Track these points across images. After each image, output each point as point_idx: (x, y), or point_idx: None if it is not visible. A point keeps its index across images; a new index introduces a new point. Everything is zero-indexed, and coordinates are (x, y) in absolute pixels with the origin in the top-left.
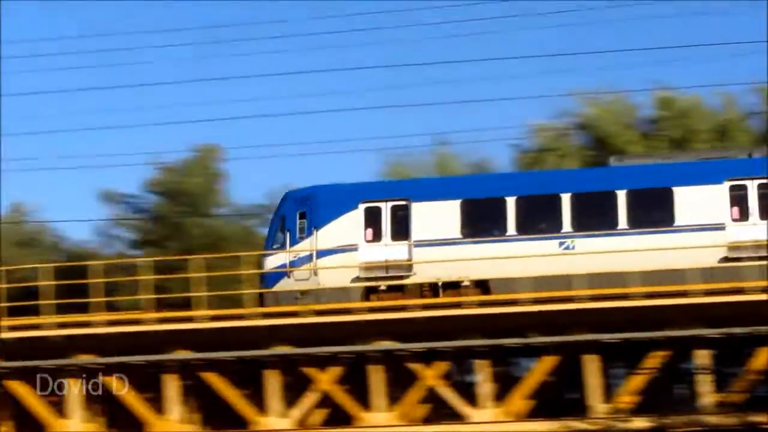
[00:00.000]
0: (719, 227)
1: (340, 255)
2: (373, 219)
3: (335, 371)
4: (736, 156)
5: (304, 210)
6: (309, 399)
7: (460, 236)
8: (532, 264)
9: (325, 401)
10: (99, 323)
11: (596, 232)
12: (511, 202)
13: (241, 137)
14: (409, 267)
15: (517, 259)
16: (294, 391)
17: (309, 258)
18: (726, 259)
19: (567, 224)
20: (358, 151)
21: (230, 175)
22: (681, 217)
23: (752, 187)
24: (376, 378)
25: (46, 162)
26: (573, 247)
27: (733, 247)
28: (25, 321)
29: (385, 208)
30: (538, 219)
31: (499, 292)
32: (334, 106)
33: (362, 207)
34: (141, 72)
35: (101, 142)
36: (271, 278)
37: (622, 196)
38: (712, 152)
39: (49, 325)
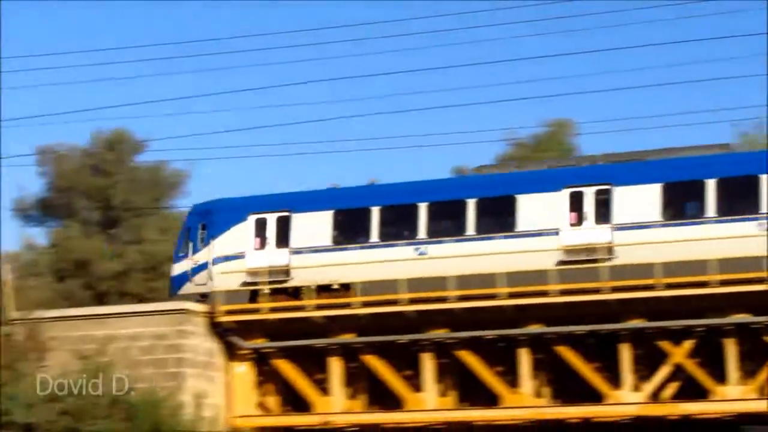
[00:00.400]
0: (555, 232)
1: (231, 262)
2: (260, 229)
3: (689, 344)
4: (579, 164)
5: (205, 222)
6: (662, 372)
7: (331, 244)
8: (390, 268)
9: (678, 374)
10: (452, 299)
11: (447, 239)
12: (375, 212)
13: (591, 111)
14: (287, 272)
15: (377, 264)
16: (647, 364)
17: (206, 265)
18: (562, 263)
19: (422, 231)
20: (707, 123)
21: (583, 149)
22: (522, 223)
23: (589, 193)
24: (731, 351)
25: (404, 141)
26: (426, 253)
27: (568, 251)
28: (380, 297)
29: (271, 219)
30: (398, 227)
31: (363, 295)
32: (678, 78)
33: (252, 218)
34: (489, 49)
35: (455, 118)
36: (176, 283)
37: (471, 204)
38: (558, 161)
39: (402, 302)
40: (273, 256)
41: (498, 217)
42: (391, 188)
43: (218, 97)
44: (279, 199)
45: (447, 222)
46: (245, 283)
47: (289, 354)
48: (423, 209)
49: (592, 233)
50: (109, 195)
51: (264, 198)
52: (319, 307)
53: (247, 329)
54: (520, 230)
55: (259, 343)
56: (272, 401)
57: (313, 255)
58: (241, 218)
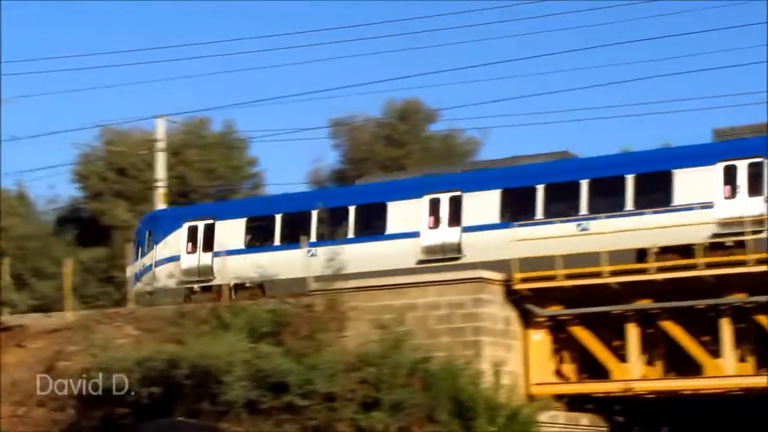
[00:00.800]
0: (417, 234)
1: (169, 264)
2: (192, 235)
3: None
4: (439, 174)
5: (150, 229)
6: None
7: (244, 247)
8: (289, 268)
9: None
10: (751, 263)
11: (332, 241)
12: (278, 219)
13: None
14: (211, 272)
15: (278, 264)
16: None
17: (151, 267)
18: (421, 261)
19: (313, 235)
20: None
21: None
22: (391, 226)
23: (444, 199)
24: None
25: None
26: (316, 254)
27: (426, 251)
28: (677, 262)
29: (200, 227)
30: (295, 231)
31: (270, 293)
32: None
33: (186, 226)
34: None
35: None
36: (130, 283)
37: (352, 210)
38: (420, 170)
39: (699, 266)
40: (201, 259)
41: (372, 222)
42: (292, 197)
43: (509, 64)
44: (208, 208)
45: (333, 226)
46: (180, 282)
47: (584, 321)
48: (314, 215)
49: (445, 235)
50: (402, 165)
51: (197, 207)
52: (615, 273)
53: (543, 297)
54: (389, 233)
55: (555, 310)
56: (568, 369)
57: (231, 257)
58: (178, 226)
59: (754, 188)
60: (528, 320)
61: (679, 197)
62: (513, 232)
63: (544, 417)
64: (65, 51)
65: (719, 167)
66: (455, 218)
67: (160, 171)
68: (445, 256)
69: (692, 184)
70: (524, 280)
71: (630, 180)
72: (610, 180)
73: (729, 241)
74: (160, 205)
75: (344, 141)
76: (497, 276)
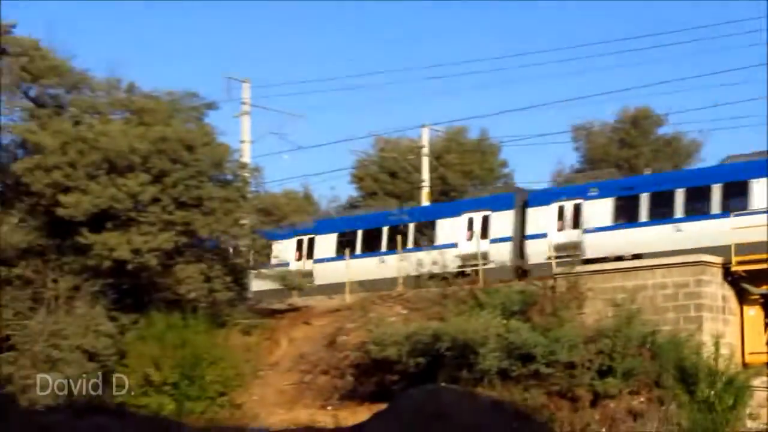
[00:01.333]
0: (288, 264)
1: None
2: None
3: None
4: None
5: None
6: None
7: None
8: None
9: None
10: None
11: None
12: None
13: None
14: None
15: None
16: None
17: None
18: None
19: None
20: None
21: None
22: (273, 259)
23: (305, 240)
24: None
25: None
26: None
27: (300, 276)
28: None
29: None
30: None
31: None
32: None
33: None
34: None
35: None
36: None
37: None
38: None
39: None
40: None
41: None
42: None
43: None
44: None
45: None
46: None
47: None
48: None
49: (304, 265)
50: (634, 165)
51: None
52: None
53: (757, 277)
54: (273, 263)
55: None
56: None
57: None
58: None
59: (484, 233)
60: (743, 298)
61: (439, 239)
62: (341, 263)
63: (756, 382)
64: (348, 70)
65: (464, 218)
66: (310, 253)
67: (425, 173)
68: (306, 279)
69: (447, 229)
70: (741, 263)
71: (412, 227)
72: (400, 227)
73: (468, 270)
74: (425, 202)
75: (583, 144)
76: (717, 260)
